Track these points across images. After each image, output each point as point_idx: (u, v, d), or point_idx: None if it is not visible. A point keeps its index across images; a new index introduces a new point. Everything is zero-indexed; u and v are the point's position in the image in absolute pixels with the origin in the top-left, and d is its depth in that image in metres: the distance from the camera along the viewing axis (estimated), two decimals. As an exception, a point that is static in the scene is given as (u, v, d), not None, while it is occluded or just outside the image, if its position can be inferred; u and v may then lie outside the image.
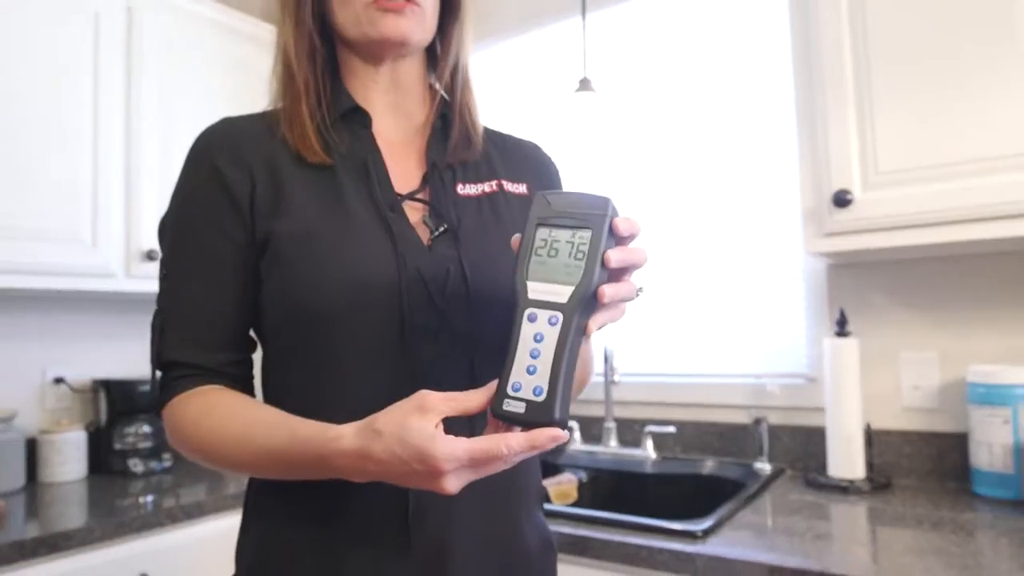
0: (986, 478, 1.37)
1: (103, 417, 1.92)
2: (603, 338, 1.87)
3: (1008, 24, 1.19)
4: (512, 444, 0.57)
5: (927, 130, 1.25)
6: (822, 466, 1.55)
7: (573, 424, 1.93)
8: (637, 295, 0.67)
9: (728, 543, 1.16)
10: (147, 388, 1.93)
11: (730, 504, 1.34)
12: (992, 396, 1.35)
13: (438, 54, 0.86)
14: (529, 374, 0.60)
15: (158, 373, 0.76)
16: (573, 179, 2.04)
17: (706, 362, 1.83)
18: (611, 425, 1.85)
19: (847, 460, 1.49)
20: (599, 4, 1.97)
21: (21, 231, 1.59)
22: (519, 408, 0.59)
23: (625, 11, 1.98)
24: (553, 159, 0.93)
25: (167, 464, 1.92)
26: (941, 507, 1.31)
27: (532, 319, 0.61)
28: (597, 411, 1.92)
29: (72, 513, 1.48)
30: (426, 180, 0.80)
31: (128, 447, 1.88)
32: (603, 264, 0.60)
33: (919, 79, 1.26)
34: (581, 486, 1.75)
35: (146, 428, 1.91)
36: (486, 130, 0.88)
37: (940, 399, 1.52)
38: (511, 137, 0.91)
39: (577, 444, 1.90)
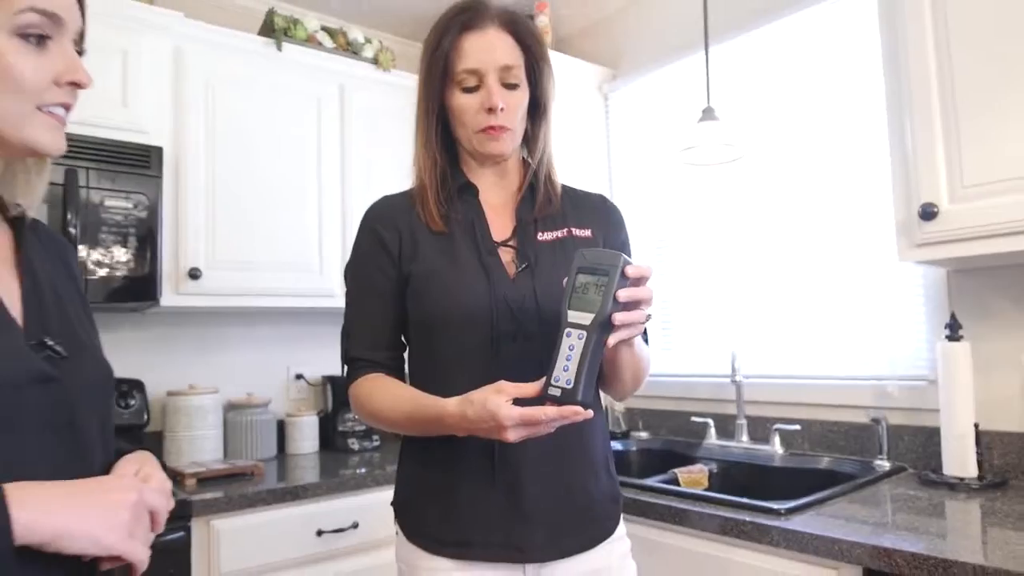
0: (1101, 480, 1.38)
1: (330, 405, 2.47)
2: (730, 343, 2.05)
3: (1085, 39, 1.24)
4: (548, 413, 0.88)
5: (1005, 146, 1.32)
6: (940, 465, 1.62)
7: (709, 421, 2.12)
8: (647, 320, 0.94)
9: (807, 522, 1.33)
10: (360, 383, 2.44)
11: (826, 492, 1.49)
12: (1105, 399, 1.37)
13: (530, 138, 1.18)
14: (564, 371, 0.90)
15: (345, 366, 1.16)
16: (699, 196, 2.24)
17: (831, 365, 1.94)
18: (742, 422, 2.02)
19: (960, 459, 1.55)
20: (719, 38, 2.16)
21: (273, 265, 2.16)
22: (557, 392, 0.90)
23: (742, 44, 2.15)
24: (616, 206, 1.22)
25: (376, 443, 2.41)
26: (1044, 505, 1.36)
27: (568, 335, 0.92)
28: (730, 409, 2.09)
29: (307, 475, 1.99)
30: (515, 231, 1.12)
31: (348, 429, 2.40)
32: (615, 299, 0.89)
33: (996, 102, 1.34)
34: (712, 476, 1.95)
35: (360, 415, 2.41)
36: (564, 187, 1.19)
37: (1065, 402, 1.52)
38: (582, 192, 1.22)
39: (712, 439, 2.09)
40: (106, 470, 0.74)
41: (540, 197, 1.15)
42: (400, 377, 1.14)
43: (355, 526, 1.89)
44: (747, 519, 1.37)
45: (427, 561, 1.05)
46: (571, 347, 0.91)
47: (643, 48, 2.49)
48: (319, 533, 1.83)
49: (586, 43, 2.72)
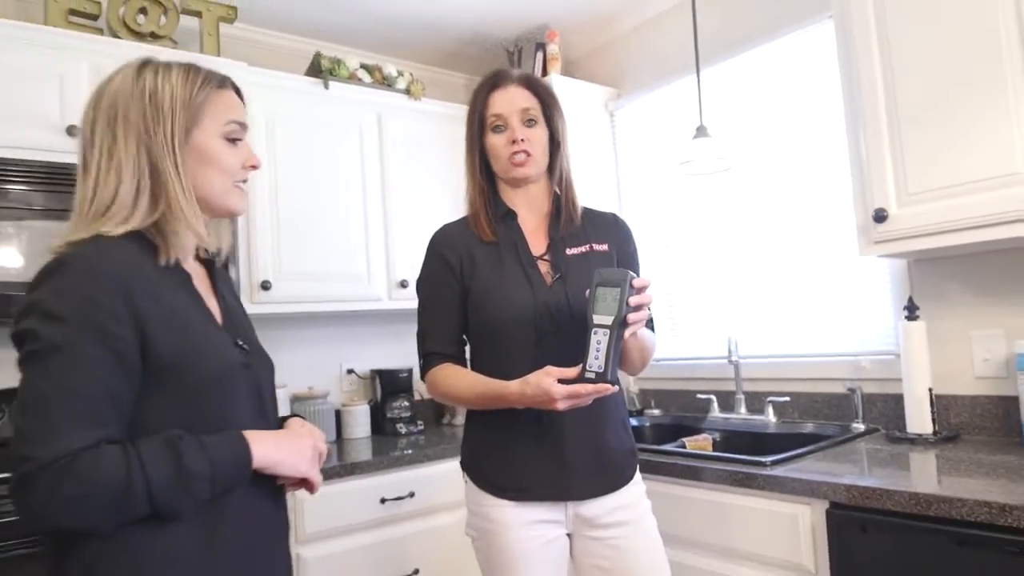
0: (1030, 430, 1.68)
1: (379, 395, 2.80)
2: (728, 328, 2.36)
3: (999, 78, 1.53)
4: (588, 388, 1.22)
5: (941, 160, 1.62)
6: (904, 425, 1.92)
7: (712, 397, 2.43)
8: (649, 316, 1.27)
9: (787, 470, 1.64)
10: (406, 375, 2.77)
11: (805, 449, 1.80)
12: (1031, 363, 1.67)
13: (552, 168, 1.50)
14: (596, 360, 1.23)
15: (422, 359, 1.49)
16: (697, 201, 2.55)
17: (813, 344, 2.25)
18: (740, 397, 2.34)
19: (918, 419, 1.86)
20: (711, 61, 2.46)
21: (327, 276, 2.49)
22: (592, 376, 1.23)
23: (729, 67, 2.46)
24: (625, 222, 1.55)
25: (420, 428, 2.75)
26: (982, 452, 1.66)
27: (595, 333, 1.24)
28: (730, 386, 2.40)
29: (364, 454, 2.32)
30: (549, 247, 1.45)
31: (395, 416, 2.73)
32: (627, 304, 1.22)
33: (933, 120, 1.64)
34: (716, 444, 2.26)
35: (406, 403, 2.75)
36: (584, 209, 1.51)
37: (1006, 368, 1.82)
38: (598, 212, 1.54)
39: (715, 412, 2.41)
40: (279, 426, 1.08)
41: (564, 218, 1.47)
42: (464, 365, 1.48)
43: (411, 495, 2.22)
44: (740, 470, 1.68)
45: (493, 501, 1.38)
46: (599, 342, 1.23)
47: (644, 69, 2.80)
48: (382, 501, 2.16)
49: (593, 65, 3.03)
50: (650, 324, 1.48)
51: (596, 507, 1.38)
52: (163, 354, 0.93)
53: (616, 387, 1.23)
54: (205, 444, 0.91)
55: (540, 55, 2.88)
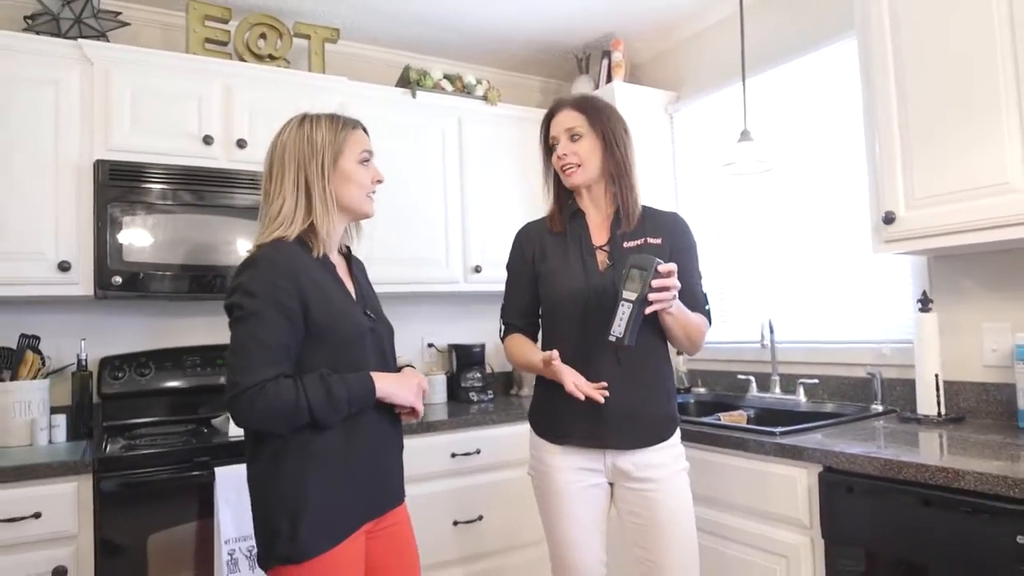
0: (1021, 415, 1.86)
1: (455, 367, 3.18)
2: (766, 316, 2.59)
3: (995, 102, 1.71)
4: (586, 390, 1.57)
5: (944, 170, 1.82)
6: (916, 408, 2.11)
7: (751, 377, 2.67)
8: (674, 298, 1.55)
9: (792, 440, 1.89)
10: (478, 350, 3.14)
11: (816, 423, 2.04)
12: (1026, 354, 1.84)
13: (611, 171, 1.78)
14: (618, 327, 1.52)
15: (502, 328, 1.85)
16: (743, 199, 2.76)
17: (841, 331, 2.45)
18: (776, 378, 2.57)
19: (927, 401, 2.06)
20: (758, 70, 2.67)
21: (411, 260, 2.88)
22: (613, 339, 1.53)
23: (773, 77, 2.66)
24: (683, 220, 1.81)
25: (491, 397, 3.11)
26: (978, 432, 1.86)
27: (622, 306, 1.53)
28: (767, 369, 2.63)
29: (439, 416, 2.70)
30: (609, 240, 1.75)
31: (468, 386, 3.11)
32: (650, 286, 1.50)
33: (937, 135, 1.83)
34: (749, 419, 2.51)
35: (478, 374, 3.12)
36: (646, 208, 1.79)
37: (1011, 359, 1.99)
38: (660, 211, 1.81)
39: (753, 392, 2.65)
40: (397, 371, 1.52)
41: (623, 218, 1.75)
42: (534, 336, 1.83)
43: (478, 452, 2.58)
44: (754, 439, 1.95)
45: (546, 447, 1.73)
46: (623, 313, 1.52)
47: (701, 74, 3.02)
48: (452, 455, 2.54)
49: (655, 70, 3.28)
50: (706, 312, 1.75)
51: (630, 462, 1.67)
52: (317, 319, 1.36)
53: (631, 347, 1.53)
54: (346, 379, 1.36)
55: (606, 62, 3.15)
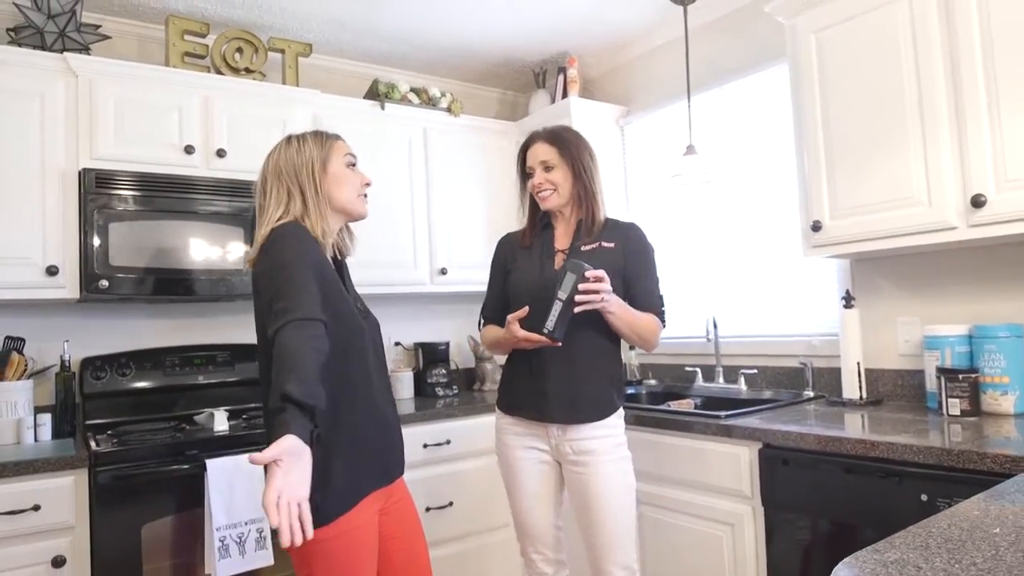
0: (930, 397, 2.15)
1: (421, 364, 3.35)
2: (710, 312, 2.86)
3: (902, 129, 2.00)
4: (533, 338, 1.79)
5: (865, 182, 2.09)
6: (841, 393, 2.40)
7: (697, 369, 2.93)
8: (602, 301, 1.77)
9: (736, 421, 2.14)
10: (444, 348, 3.32)
11: (755, 408, 2.30)
12: (931, 343, 2.14)
13: (579, 193, 1.99)
14: (551, 321, 1.76)
15: (480, 320, 2.07)
16: (688, 207, 3.03)
17: (776, 326, 2.73)
18: (719, 369, 2.83)
19: (851, 387, 2.34)
20: (699, 89, 2.93)
21: (382, 263, 3.04)
22: (546, 331, 1.76)
23: (716, 95, 2.93)
24: (638, 228, 2.03)
25: (456, 391, 3.29)
26: (892, 412, 2.14)
27: (556, 304, 1.77)
28: (711, 361, 2.90)
29: (409, 409, 2.86)
30: (570, 245, 1.97)
31: (434, 382, 3.28)
32: (577, 288, 1.74)
33: (856, 153, 2.10)
34: (696, 407, 2.76)
35: (443, 371, 3.30)
36: (608, 220, 2.01)
37: (921, 348, 2.29)
38: (620, 221, 2.03)
39: (699, 382, 2.91)
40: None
41: (584, 229, 1.98)
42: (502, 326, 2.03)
43: (448, 442, 2.77)
44: (701, 421, 2.19)
45: (503, 417, 2.01)
46: (555, 310, 1.76)
47: (649, 91, 3.28)
48: (424, 445, 2.71)
49: (606, 85, 3.52)
50: (660, 313, 1.97)
51: (569, 445, 1.89)
52: (327, 297, 1.46)
53: (559, 343, 1.78)
54: (315, 385, 1.32)
55: (561, 77, 3.37)
